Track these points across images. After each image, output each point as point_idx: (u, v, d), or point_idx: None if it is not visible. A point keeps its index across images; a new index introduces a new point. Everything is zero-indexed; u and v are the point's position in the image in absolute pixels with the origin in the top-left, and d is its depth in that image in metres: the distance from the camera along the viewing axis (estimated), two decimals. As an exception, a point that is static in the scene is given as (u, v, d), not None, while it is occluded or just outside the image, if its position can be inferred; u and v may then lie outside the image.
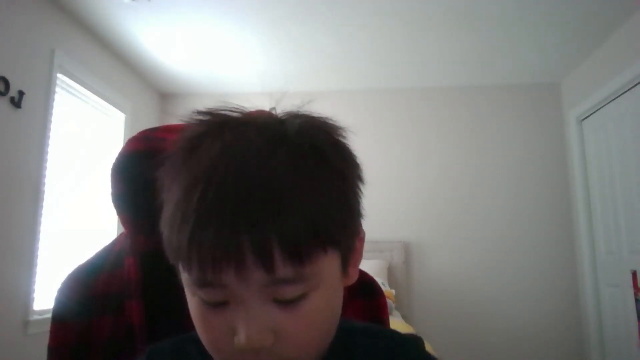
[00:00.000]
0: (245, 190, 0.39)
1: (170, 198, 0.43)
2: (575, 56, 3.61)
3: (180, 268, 0.43)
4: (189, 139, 0.44)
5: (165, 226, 0.43)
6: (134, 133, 0.73)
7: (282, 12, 3.05)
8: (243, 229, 0.38)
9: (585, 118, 3.72)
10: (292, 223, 0.39)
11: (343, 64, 3.82)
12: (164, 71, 3.93)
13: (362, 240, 0.51)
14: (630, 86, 3.10)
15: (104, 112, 3.58)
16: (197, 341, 0.46)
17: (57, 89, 2.99)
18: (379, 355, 0.49)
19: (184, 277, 0.43)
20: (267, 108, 0.60)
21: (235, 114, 0.46)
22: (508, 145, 4.07)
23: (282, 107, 0.50)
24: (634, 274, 3.01)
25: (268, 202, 0.39)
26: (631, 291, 3.03)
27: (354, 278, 0.50)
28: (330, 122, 0.48)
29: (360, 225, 0.49)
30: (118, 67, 3.69)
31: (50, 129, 2.86)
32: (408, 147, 4.16)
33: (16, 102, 2.58)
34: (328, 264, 0.43)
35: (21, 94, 2.62)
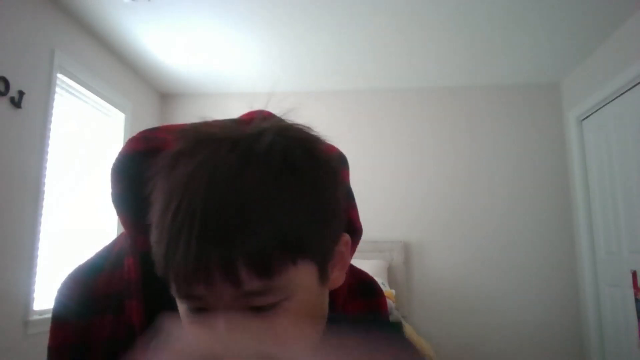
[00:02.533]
0: (213, 208, 0.41)
1: (154, 215, 0.45)
2: (575, 56, 3.61)
3: None
4: (170, 157, 0.46)
5: (152, 241, 0.45)
6: (134, 133, 0.73)
7: (281, 12, 3.05)
8: (210, 246, 0.40)
9: (585, 118, 3.72)
10: (258, 239, 0.40)
11: (342, 64, 3.82)
12: (164, 71, 3.93)
13: (347, 243, 0.51)
14: (630, 86, 3.10)
15: (104, 112, 3.58)
16: None
17: (57, 89, 2.99)
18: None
19: (171, 293, 0.45)
20: (266, 108, 0.60)
21: (213, 130, 0.46)
22: (508, 146, 4.07)
23: (279, 108, 0.50)
24: (634, 274, 3.01)
25: (234, 219, 0.40)
26: (631, 291, 3.03)
27: (339, 281, 0.51)
28: (307, 131, 0.48)
29: (340, 231, 0.50)
30: (118, 67, 3.69)
31: (50, 129, 2.86)
32: (408, 148, 4.16)
33: (16, 102, 2.58)
34: (301, 274, 0.44)
35: (21, 94, 2.62)
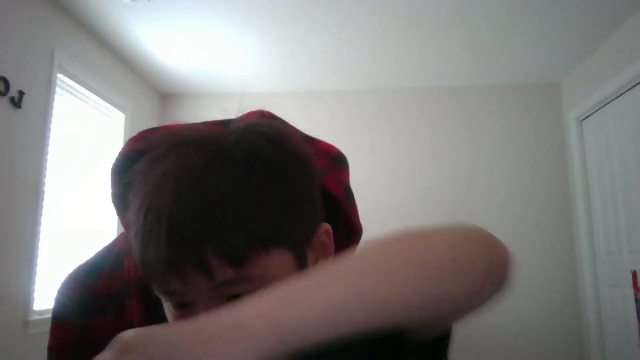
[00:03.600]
0: (180, 207, 0.42)
1: (130, 217, 0.47)
2: (575, 56, 3.61)
3: None
4: (145, 163, 0.48)
5: (132, 247, 0.47)
6: (134, 133, 0.73)
7: (282, 12, 3.05)
8: (180, 242, 0.42)
9: (585, 118, 3.72)
10: (226, 231, 0.42)
11: (342, 64, 3.82)
12: (164, 71, 3.93)
13: (328, 233, 0.52)
14: (630, 86, 3.10)
15: (104, 112, 3.58)
16: None
17: (57, 89, 2.99)
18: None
19: (152, 287, 0.46)
20: (267, 108, 0.60)
21: (186, 133, 0.48)
22: (508, 146, 4.07)
23: (279, 108, 0.50)
24: (634, 274, 3.01)
25: (201, 214, 0.42)
26: (631, 291, 3.03)
27: None
28: (278, 127, 0.49)
29: (316, 220, 0.50)
30: (118, 67, 3.69)
31: (50, 129, 2.86)
32: (408, 148, 4.16)
33: (16, 102, 2.58)
34: (275, 261, 0.45)
35: (21, 94, 2.62)
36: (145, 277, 0.45)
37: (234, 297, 0.43)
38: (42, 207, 2.76)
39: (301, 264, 0.48)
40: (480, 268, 0.42)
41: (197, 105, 4.30)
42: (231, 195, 0.43)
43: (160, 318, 0.67)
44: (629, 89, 3.13)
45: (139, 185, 0.46)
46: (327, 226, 0.52)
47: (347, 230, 0.62)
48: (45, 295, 2.77)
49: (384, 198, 4.05)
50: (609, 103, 3.39)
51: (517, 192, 4.00)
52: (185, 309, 0.45)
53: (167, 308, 0.47)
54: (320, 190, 0.53)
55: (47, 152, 2.83)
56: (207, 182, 0.43)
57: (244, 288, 0.43)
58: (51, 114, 2.87)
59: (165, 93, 4.40)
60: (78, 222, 3.19)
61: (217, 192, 0.43)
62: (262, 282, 0.43)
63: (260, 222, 0.43)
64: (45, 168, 2.81)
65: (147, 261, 0.44)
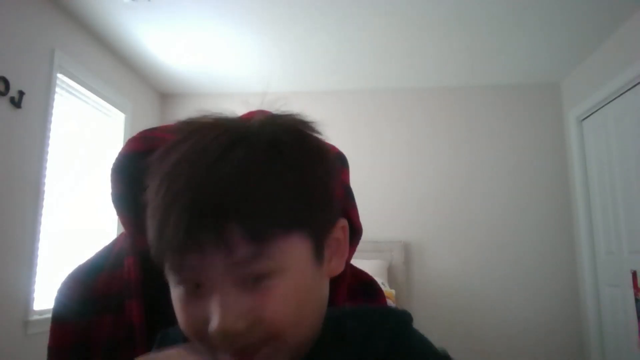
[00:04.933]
0: (200, 183, 0.42)
1: (148, 200, 0.47)
2: (575, 56, 3.61)
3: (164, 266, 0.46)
4: (165, 147, 0.48)
5: (147, 228, 0.46)
6: (134, 133, 0.73)
7: (281, 13, 3.05)
8: (200, 216, 0.41)
9: (585, 118, 3.72)
10: (246, 206, 0.42)
11: (342, 64, 3.82)
12: (164, 71, 3.93)
13: (345, 229, 0.52)
14: (630, 86, 3.10)
15: (104, 112, 3.58)
16: None
17: (57, 89, 2.99)
18: (367, 332, 0.49)
19: (166, 274, 0.46)
20: (266, 108, 0.60)
21: (206, 120, 0.49)
22: (508, 146, 4.07)
23: (279, 108, 0.51)
24: (634, 274, 3.01)
25: (223, 189, 0.42)
26: (631, 291, 3.03)
27: (338, 268, 0.51)
28: (298, 119, 0.50)
29: (334, 215, 0.50)
30: (118, 67, 3.69)
31: (50, 129, 2.86)
32: (408, 147, 4.16)
33: (16, 102, 2.58)
34: (292, 247, 0.44)
35: (21, 94, 2.62)
36: (160, 260, 0.45)
37: (251, 281, 0.43)
38: (42, 207, 2.77)
39: (318, 256, 0.48)
40: None
41: (197, 105, 4.28)
42: (253, 174, 0.43)
43: (160, 318, 0.67)
44: (629, 89, 3.13)
45: (157, 167, 0.46)
46: (344, 222, 0.52)
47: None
48: (45, 295, 2.76)
49: (384, 198, 4.04)
50: (609, 103, 3.39)
51: (517, 192, 4.00)
52: (197, 297, 0.44)
53: (176, 297, 0.46)
54: (337, 186, 0.53)
55: (47, 152, 2.83)
56: (229, 161, 0.43)
57: (260, 268, 0.43)
58: (51, 114, 2.87)
59: (165, 93, 4.40)
60: (78, 222, 3.19)
61: (239, 170, 0.43)
62: (279, 266, 0.43)
63: (280, 204, 0.43)
64: (45, 168, 2.81)
65: (165, 237, 0.43)
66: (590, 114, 3.64)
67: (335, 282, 0.67)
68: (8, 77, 2.53)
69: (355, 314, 0.53)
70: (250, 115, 0.59)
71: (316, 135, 0.50)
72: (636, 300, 2.96)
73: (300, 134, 0.49)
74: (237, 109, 0.54)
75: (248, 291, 0.43)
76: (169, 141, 0.48)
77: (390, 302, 3.31)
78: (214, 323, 0.42)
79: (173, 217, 0.42)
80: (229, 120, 0.49)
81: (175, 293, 0.46)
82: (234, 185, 0.42)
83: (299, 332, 0.45)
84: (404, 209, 4.05)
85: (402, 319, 0.52)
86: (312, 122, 0.50)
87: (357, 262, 0.74)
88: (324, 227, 0.49)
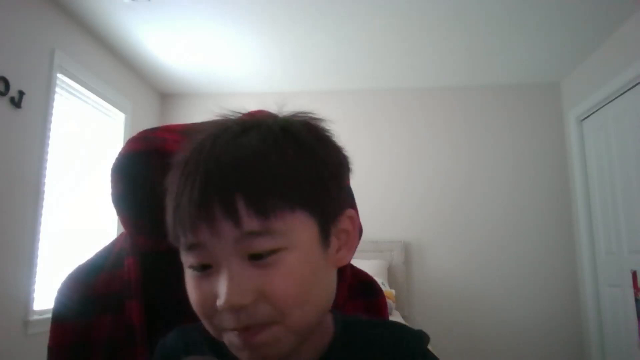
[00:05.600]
0: (215, 159, 0.46)
1: (170, 181, 0.50)
2: (575, 56, 3.61)
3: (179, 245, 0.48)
4: (188, 139, 0.51)
5: (166, 208, 0.49)
6: (134, 133, 0.73)
7: (281, 13, 3.05)
8: (211, 190, 0.44)
9: (585, 118, 3.72)
10: (254, 180, 0.45)
11: (342, 64, 3.82)
12: (164, 71, 3.93)
13: (353, 220, 0.52)
14: (630, 86, 3.10)
15: (104, 112, 3.58)
16: (200, 331, 0.50)
17: (57, 89, 2.99)
18: (379, 345, 0.50)
19: (181, 252, 0.48)
20: (267, 108, 0.60)
21: (225, 114, 0.52)
22: (508, 145, 4.07)
23: (279, 108, 0.53)
24: (634, 274, 3.01)
25: (234, 164, 0.45)
26: (631, 291, 3.03)
27: (346, 259, 0.52)
28: (312, 116, 0.52)
29: (342, 200, 0.52)
30: (118, 67, 3.69)
31: (50, 129, 2.86)
32: (408, 147, 4.16)
33: (16, 102, 2.58)
34: (299, 225, 0.46)
35: (21, 94, 2.62)
36: (176, 234, 0.47)
37: (257, 257, 0.44)
38: (42, 207, 2.76)
39: (324, 241, 0.49)
40: None
41: (197, 105, 4.30)
42: (264, 153, 0.46)
43: (160, 318, 0.67)
44: (629, 89, 3.13)
45: (181, 152, 0.49)
46: (352, 212, 0.53)
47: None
48: (45, 295, 2.76)
49: (384, 198, 4.04)
50: (609, 103, 3.39)
51: (517, 191, 4.00)
52: (207, 274, 0.46)
53: (189, 276, 0.48)
54: (348, 178, 0.55)
55: (47, 152, 2.82)
56: (243, 141, 0.47)
57: (268, 243, 0.44)
58: (51, 114, 2.87)
59: (165, 93, 4.40)
60: (78, 222, 3.19)
61: (251, 149, 0.46)
62: (285, 243, 0.45)
63: (290, 181, 0.46)
64: (45, 168, 2.80)
65: (180, 207, 0.46)
66: (590, 114, 3.64)
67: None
68: (8, 77, 2.53)
69: (369, 323, 0.53)
70: (251, 115, 0.59)
71: (326, 129, 0.53)
72: (636, 300, 2.96)
73: (312, 126, 0.51)
74: (237, 109, 0.54)
75: (255, 267, 0.45)
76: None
77: (390, 302, 3.31)
78: (222, 298, 0.44)
79: (188, 188, 0.45)
80: (243, 115, 0.53)
81: (188, 273, 0.48)
82: (245, 161, 0.45)
83: (303, 314, 0.46)
84: (404, 209, 4.06)
85: (418, 339, 0.52)
86: (322, 120, 0.53)
87: (357, 262, 0.74)
88: (330, 211, 0.50)
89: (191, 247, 0.46)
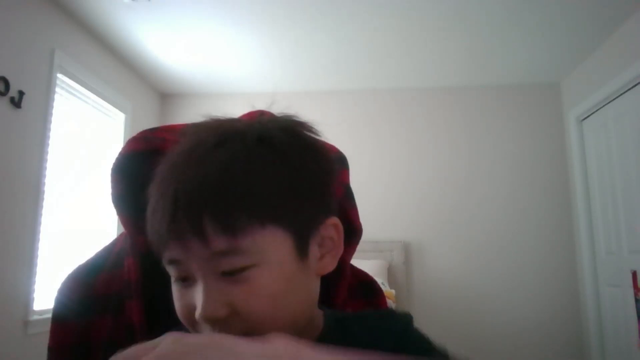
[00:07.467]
0: (185, 178, 0.46)
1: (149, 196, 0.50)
2: (575, 56, 3.61)
3: None
4: (169, 151, 0.51)
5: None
6: (134, 133, 0.73)
7: (281, 13, 3.05)
8: (180, 210, 0.45)
9: (585, 118, 3.72)
10: (221, 200, 0.44)
11: (341, 64, 3.82)
12: (164, 71, 3.93)
13: (337, 227, 0.52)
14: (630, 86, 3.10)
15: (104, 112, 3.58)
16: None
17: (57, 89, 2.99)
18: (367, 334, 0.50)
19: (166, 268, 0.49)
20: (266, 108, 0.60)
21: (205, 123, 0.52)
22: (508, 146, 4.07)
23: (278, 108, 0.52)
24: (634, 274, 3.01)
25: (202, 184, 0.45)
26: (631, 291, 3.03)
27: (328, 267, 0.51)
28: (293, 118, 0.51)
29: (324, 211, 0.51)
30: (118, 67, 3.69)
31: (50, 129, 2.86)
32: (408, 147, 4.16)
33: (16, 102, 2.58)
34: (271, 240, 0.46)
35: (21, 94, 2.62)
36: (154, 248, 0.48)
37: (229, 274, 0.45)
38: (42, 207, 2.76)
39: (301, 252, 0.48)
40: None
41: (197, 105, 4.30)
42: (233, 168, 0.45)
43: (160, 318, 0.67)
44: (629, 89, 3.13)
45: (161, 165, 0.50)
46: (336, 220, 0.52)
47: (347, 230, 0.62)
48: (45, 295, 2.76)
49: (384, 198, 4.04)
50: (609, 103, 3.39)
51: (517, 192, 4.00)
52: (187, 286, 0.47)
53: (173, 287, 0.49)
54: (334, 183, 0.53)
55: (47, 152, 2.82)
56: (214, 157, 0.46)
57: (237, 262, 0.44)
58: (51, 114, 2.87)
59: (165, 93, 4.40)
60: (78, 222, 3.19)
61: (220, 165, 0.45)
62: (255, 260, 0.45)
63: (259, 197, 0.45)
64: (45, 168, 2.81)
65: (154, 228, 0.47)
66: (590, 114, 3.64)
67: (335, 282, 0.67)
68: (8, 77, 2.53)
69: (358, 317, 0.53)
70: (249, 116, 0.59)
71: (312, 135, 0.51)
72: (636, 300, 2.96)
73: (293, 131, 0.50)
74: (237, 109, 0.54)
75: (228, 282, 0.45)
76: (174, 145, 0.51)
77: (390, 302, 3.31)
78: (198, 310, 0.45)
79: (159, 210, 0.46)
80: (225, 121, 0.51)
81: (172, 283, 0.49)
82: (212, 179, 0.45)
83: (277, 326, 0.46)
84: (404, 209, 4.05)
85: (404, 320, 0.52)
86: (308, 123, 0.51)
87: (357, 262, 0.74)
88: (308, 222, 0.49)
89: (170, 262, 0.47)
